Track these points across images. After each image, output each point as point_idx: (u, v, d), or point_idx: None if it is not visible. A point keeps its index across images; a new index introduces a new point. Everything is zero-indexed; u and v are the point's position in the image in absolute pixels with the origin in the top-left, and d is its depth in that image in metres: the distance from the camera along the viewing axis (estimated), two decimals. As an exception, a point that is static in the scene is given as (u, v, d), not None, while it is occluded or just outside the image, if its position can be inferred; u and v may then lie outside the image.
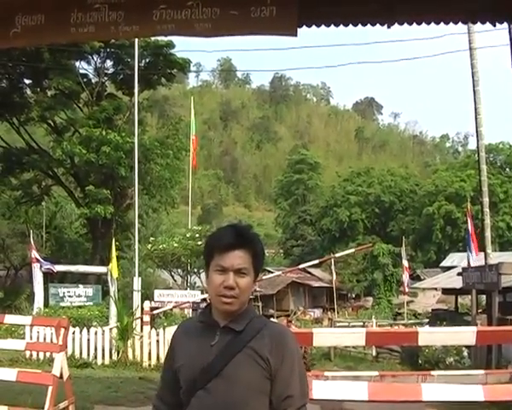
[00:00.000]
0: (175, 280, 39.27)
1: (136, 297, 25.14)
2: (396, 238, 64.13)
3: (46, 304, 26.40)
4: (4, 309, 32.37)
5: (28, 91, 40.46)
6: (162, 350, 20.47)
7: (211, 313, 3.22)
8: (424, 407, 11.15)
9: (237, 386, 3.03)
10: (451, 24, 9.32)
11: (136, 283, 25.73)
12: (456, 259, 48.72)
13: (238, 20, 8.67)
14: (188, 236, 36.17)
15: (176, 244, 35.60)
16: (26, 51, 34.34)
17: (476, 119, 21.26)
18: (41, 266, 25.75)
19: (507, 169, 79.82)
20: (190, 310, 29.03)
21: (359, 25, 9.04)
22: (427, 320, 30.20)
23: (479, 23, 9.96)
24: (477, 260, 22.94)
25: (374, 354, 24.91)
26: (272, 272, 34.98)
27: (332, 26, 9.11)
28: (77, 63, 39.87)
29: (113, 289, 25.06)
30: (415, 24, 9.05)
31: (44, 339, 20.09)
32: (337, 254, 40.86)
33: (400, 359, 23.26)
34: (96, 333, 20.65)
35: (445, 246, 70.55)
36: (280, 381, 3.06)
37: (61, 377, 10.19)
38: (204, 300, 28.58)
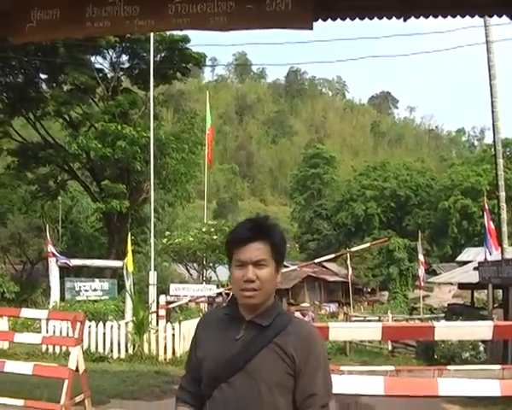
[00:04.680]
0: (190, 274, 39.33)
1: (152, 291, 25.24)
2: (412, 233, 64.02)
3: (62, 298, 26.52)
4: (21, 303, 32.56)
5: (44, 86, 40.62)
6: (178, 344, 20.54)
7: (237, 307, 3.21)
8: (440, 402, 11.13)
9: (261, 381, 3.01)
10: (468, 17, 9.28)
11: (152, 277, 25.82)
12: (472, 253, 48.47)
13: (253, 14, 8.67)
14: (203, 230, 36.13)
15: (191, 238, 35.57)
16: (41, 46, 34.46)
17: (493, 113, 21.16)
18: (57, 261, 25.86)
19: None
20: (206, 304, 29.09)
21: (375, 18, 9.01)
22: (443, 315, 30.10)
23: (495, 16, 9.91)
24: (494, 254, 22.84)
25: (389, 348, 24.88)
26: (288, 267, 34.88)
27: (347, 19, 9.08)
28: (92, 58, 39.96)
29: (128, 283, 25.15)
30: (431, 17, 9.01)
31: (60, 333, 20.17)
32: (353, 249, 40.91)
33: (416, 353, 23.23)
34: (111, 327, 20.72)
35: (461, 240, 70.33)
36: (304, 379, 3.05)
37: (77, 370, 10.24)
38: (219, 294, 28.65)
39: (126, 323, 21.34)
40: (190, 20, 8.86)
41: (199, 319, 3.50)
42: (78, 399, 10.33)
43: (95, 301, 27.69)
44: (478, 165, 76.53)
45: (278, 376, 3.02)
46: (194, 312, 26.98)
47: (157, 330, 20.86)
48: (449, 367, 12.65)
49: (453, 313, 26.86)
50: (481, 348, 19.45)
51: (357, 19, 9.02)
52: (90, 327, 20.16)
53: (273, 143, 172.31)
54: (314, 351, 3.09)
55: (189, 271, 39.30)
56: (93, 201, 41.57)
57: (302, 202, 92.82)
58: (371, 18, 9.02)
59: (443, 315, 30.26)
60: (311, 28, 8.65)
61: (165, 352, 20.37)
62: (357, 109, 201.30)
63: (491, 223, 24.07)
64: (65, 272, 29.07)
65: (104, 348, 20.45)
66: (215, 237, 33.91)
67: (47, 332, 20.20)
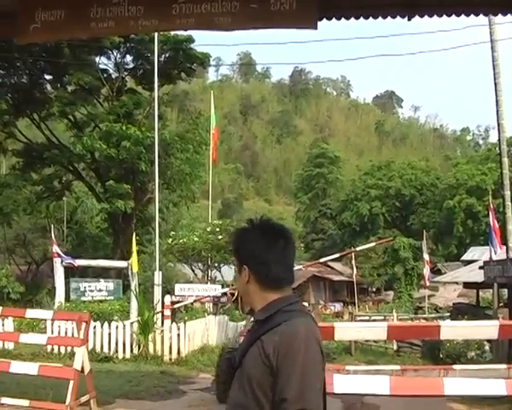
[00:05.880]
0: (195, 274, 39.27)
1: (157, 291, 25.21)
2: (417, 232, 63.89)
3: (67, 298, 26.51)
4: (26, 304, 32.64)
5: (49, 87, 40.71)
6: (183, 344, 20.53)
7: None
8: (445, 402, 11.11)
9: (246, 377, 2.96)
10: (472, 16, 9.26)
11: (157, 277, 25.78)
12: (477, 252, 48.43)
13: (258, 14, 8.66)
14: (208, 230, 36.07)
15: (196, 238, 35.51)
16: (46, 47, 34.52)
17: (497, 111, 21.13)
18: (62, 261, 25.84)
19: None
20: (211, 304, 29.07)
21: (379, 17, 9.00)
22: (449, 314, 30.05)
23: (500, 15, 9.89)
24: (500, 253, 22.81)
25: (395, 348, 24.83)
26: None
27: (352, 18, 9.07)
28: (97, 58, 40.09)
29: (133, 283, 25.12)
30: (435, 16, 8.99)
31: (66, 333, 20.18)
32: (357, 248, 40.83)
33: (421, 353, 23.18)
34: (116, 327, 20.71)
35: (466, 240, 70.22)
36: (278, 382, 2.88)
37: (83, 371, 10.26)
38: (224, 294, 28.61)
39: (131, 323, 21.34)
40: (195, 20, 8.86)
41: None
42: (83, 399, 10.35)
43: (100, 301, 27.69)
44: (483, 164, 76.34)
45: (259, 374, 2.92)
46: (199, 312, 26.95)
47: (162, 331, 20.86)
48: (454, 367, 12.62)
49: (458, 312, 26.80)
50: (487, 348, 19.43)
51: (361, 18, 9.01)
52: (95, 327, 20.14)
53: (278, 143, 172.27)
54: (291, 352, 2.89)
55: (193, 271, 39.23)
56: (98, 201, 41.61)
57: (307, 201, 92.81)
58: (375, 17, 9.01)
59: (448, 314, 30.21)
60: (316, 28, 8.63)
61: (171, 352, 20.37)
62: (361, 109, 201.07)
63: (496, 222, 24.05)
64: (70, 272, 29.06)
65: (109, 349, 20.45)
66: (220, 237, 33.84)
67: (52, 333, 20.22)
